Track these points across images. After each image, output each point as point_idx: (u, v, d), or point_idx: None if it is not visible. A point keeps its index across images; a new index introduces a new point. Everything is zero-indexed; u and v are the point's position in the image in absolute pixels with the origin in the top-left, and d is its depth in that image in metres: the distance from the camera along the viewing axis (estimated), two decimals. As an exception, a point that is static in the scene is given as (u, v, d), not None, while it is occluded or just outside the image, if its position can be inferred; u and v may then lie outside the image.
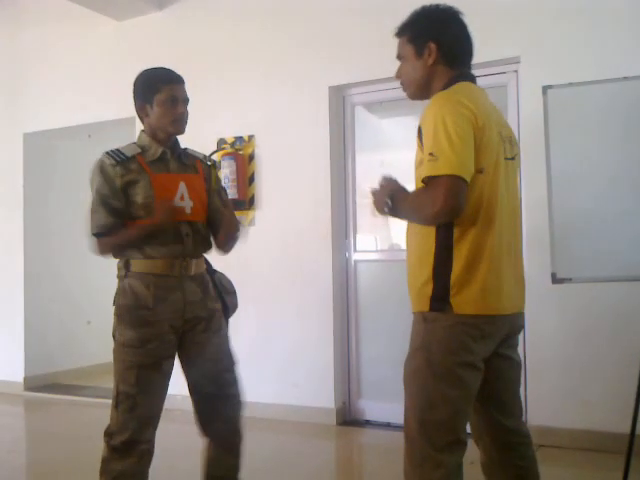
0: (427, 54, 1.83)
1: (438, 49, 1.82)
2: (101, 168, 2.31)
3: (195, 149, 2.55)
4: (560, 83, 3.21)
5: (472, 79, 1.87)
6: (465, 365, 1.71)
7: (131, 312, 2.25)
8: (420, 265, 1.75)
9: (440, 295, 1.71)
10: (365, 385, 4.29)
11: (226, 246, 2.45)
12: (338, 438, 4.11)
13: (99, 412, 4.86)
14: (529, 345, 3.65)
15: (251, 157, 4.51)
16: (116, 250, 2.31)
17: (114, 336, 2.29)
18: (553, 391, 3.59)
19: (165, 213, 2.22)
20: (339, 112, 4.41)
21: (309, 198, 4.32)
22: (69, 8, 5.04)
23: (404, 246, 1.92)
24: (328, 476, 3.53)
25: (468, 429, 1.84)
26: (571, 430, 3.53)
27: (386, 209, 1.79)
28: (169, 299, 2.27)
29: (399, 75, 1.93)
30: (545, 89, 3.14)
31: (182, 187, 2.33)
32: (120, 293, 2.30)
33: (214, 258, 2.51)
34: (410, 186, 1.84)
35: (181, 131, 2.37)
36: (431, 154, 1.63)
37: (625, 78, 3.06)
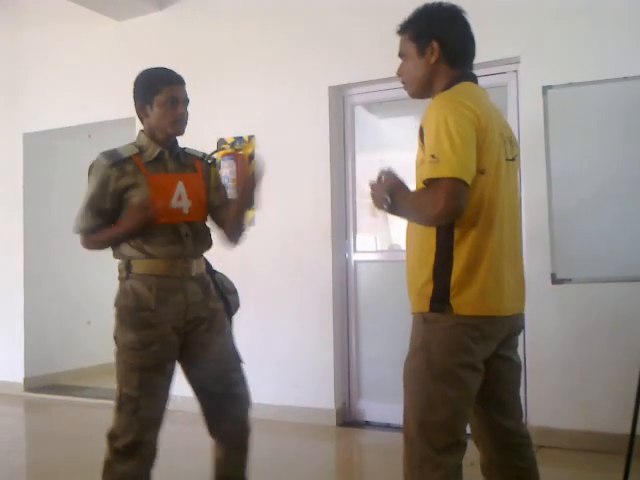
0: (430, 53, 1.82)
1: (441, 48, 1.81)
2: (96, 168, 2.33)
3: (195, 149, 2.54)
4: (560, 83, 3.21)
5: (474, 79, 1.86)
6: (465, 366, 1.71)
7: (133, 314, 2.24)
8: (420, 266, 1.75)
9: (440, 296, 1.70)
10: (365, 386, 4.29)
11: (234, 238, 2.44)
12: (338, 439, 4.11)
13: (99, 413, 4.88)
14: (529, 346, 3.65)
15: (251, 157, 4.51)
16: (99, 246, 2.34)
17: (115, 338, 2.28)
18: (553, 392, 3.59)
19: (139, 213, 2.20)
20: (339, 112, 4.41)
21: (309, 198, 4.32)
22: (69, 8, 5.04)
23: (404, 246, 1.92)
24: (328, 477, 3.53)
25: (468, 430, 1.84)
26: (571, 431, 3.52)
27: (385, 206, 1.78)
28: (171, 300, 2.26)
29: (400, 73, 1.92)
30: (545, 89, 3.14)
31: (180, 187, 2.31)
32: (121, 295, 2.29)
33: (214, 259, 2.51)
34: (411, 185, 1.84)
35: (180, 132, 2.36)
36: (433, 156, 1.62)
37: (625, 78, 3.06)
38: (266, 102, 4.48)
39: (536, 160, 3.25)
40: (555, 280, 3.02)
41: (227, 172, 4.42)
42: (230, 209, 2.42)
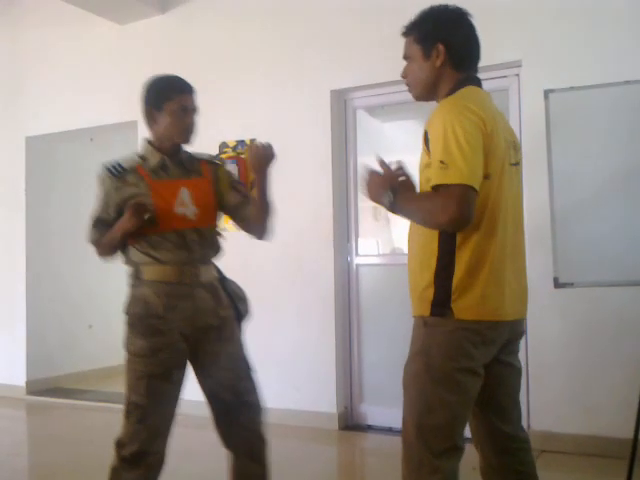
0: (435, 56, 1.80)
1: (446, 51, 1.80)
2: (100, 181, 2.35)
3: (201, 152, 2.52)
4: (562, 87, 3.21)
5: (478, 83, 1.85)
6: (464, 371, 1.71)
7: (142, 321, 2.22)
8: (422, 269, 1.74)
9: (441, 300, 1.70)
10: (367, 389, 4.28)
11: (263, 230, 2.41)
12: (340, 443, 4.10)
13: (100, 416, 4.88)
14: (531, 350, 3.64)
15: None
16: (107, 251, 2.37)
17: (125, 346, 2.26)
18: (556, 396, 3.58)
19: (132, 214, 2.19)
20: (341, 116, 4.41)
21: (311, 201, 4.32)
22: (71, 12, 5.06)
23: (406, 250, 1.91)
24: (330, 481, 3.52)
25: (468, 433, 1.84)
26: (574, 435, 3.51)
27: (386, 201, 1.74)
28: (179, 307, 2.24)
29: (405, 75, 1.91)
30: (547, 93, 3.14)
31: (183, 193, 2.28)
32: (131, 301, 2.28)
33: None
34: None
35: (188, 141, 2.35)
36: (442, 162, 1.60)
37: (627, 82, 3.07)
38: (268, 106, 4.49)
39: (538, 164, 3.24)
40: (557, 284, 3.01)
41: (229, 176, 4.42)
42: (253, 203, 2.38)
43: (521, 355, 3.51)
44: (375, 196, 1.79)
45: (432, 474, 1.69)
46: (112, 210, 2.30)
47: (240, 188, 2.46)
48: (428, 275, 1.71)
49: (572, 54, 3.59)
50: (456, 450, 1.72)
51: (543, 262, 3.24)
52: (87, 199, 6.49)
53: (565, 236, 3.05)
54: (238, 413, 2.34)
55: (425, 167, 1.71)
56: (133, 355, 2.23)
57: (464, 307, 1.68)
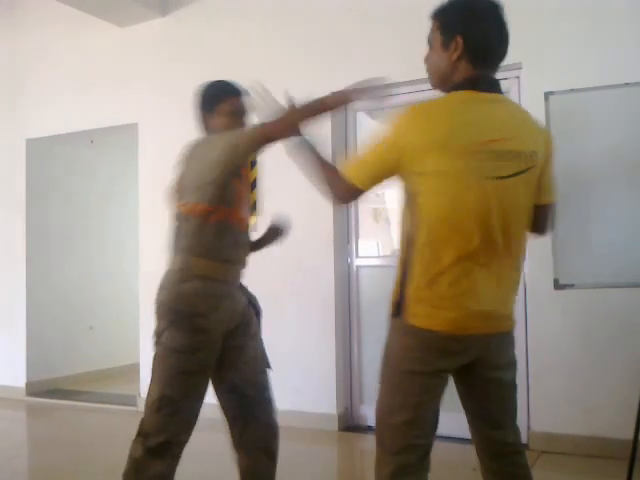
0: (453, 48, 1.73)
1: (465, 45, 1.73)
2: None
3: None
4: (562, 89, 3.22)
5: (484, 86, 1.75)
6: (420, 374, 1.70)
7: (187, 318, 2.21)
8: (397, 269, 1.76)
9: (401, 303, 1.70)
10: (367, 391, 4.29)
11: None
12: (340, 444, 4.10)
13: (100, 418, 4.88)
14: (532, 351, 3.65)
15: (253, 163, 4.52)
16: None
17: (160, 340, 2.22)
18: (556, 397, 3.59)
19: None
20: (341, 118, 4.42)
21: (311, 204, 4.30)
22: (71, 14, 5.06)
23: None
24: (330, 482, 3.53)
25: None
26: (574, 436, 3.52)
27: (296, 141, 1.93)
28: (221, 306, 2.27)
29: (426, 60, 1.86)
30: (547, 95, 3.16)
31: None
32: (177, 297, 2.24)
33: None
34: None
35: None
36: (356, 154, 1.80)
37: (627, 84, 3.08)
38: (268, 108, 4.49)
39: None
40: (558, 285, 3.03)
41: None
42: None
43: (521, 356, 3.49)
44: (284, 129, 1.97)
45: (384, 469, 1.76)
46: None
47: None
48: (398, 276, 1.73)
49: (572, 56, 3.59)
50: (412, 448, 1.74)
51: (543, 264, 3.25)
52: (87, 201, 6.54)
53: (565, 238, 3.06)
54: (259, 409, 2.38)
55: None
56: (171, 350, 2.20)
57: (417, 314, 1.67)
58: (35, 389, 5.55)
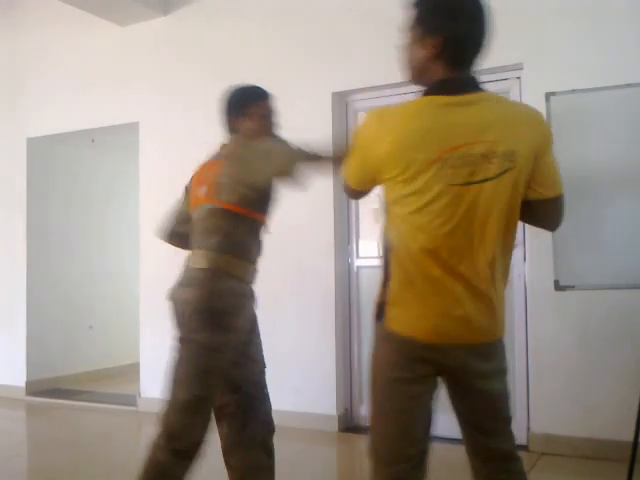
0: (431, 46, 1.62)
1: (444, 46, 1.61)
2: None
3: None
4: (563, 90, 3.22)
5: (455, 90, 1.62)
6: (401, 381, 1.65)
7: (221, 316, 2.22)
8: (381, 271, 1.74)
9: (381, 307, 1.69)
10: (367, 391, 4.28)
11: None
12: (340, 445, 4.10)
13: (100, 417, 4.88)
14: (532, 352, 3.64)
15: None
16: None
17: (192, 338, 2.21)
18: (556, 398, 3.58)
19: None
20: (342, 118, 4.42)
21: (311, 204, 4.31)
22: (72, 13, 5.06)
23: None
24: (330, 483, 3.52)
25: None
26: (574, 438, 3.51)
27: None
28: (247, 306, 2.34)
29: (402, 51, 1.75)
30: (548, 96, 3.15)
31: None
32: (209, 295, 2.23)
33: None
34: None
35: None
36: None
37: (628, 85, 3.07)
38: (269, 107, 4.48)
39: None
40: (558, 287, 3.02)
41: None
42: None
43: (521, 357, 3.49)
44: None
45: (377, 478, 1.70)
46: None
47: None
48: (382, 280, 1.71)
49: (573, 57, 3.59)
50: (404, 458, 1.67)
51: (544, 265, 3.25)
52: (88, 200, 6.54)
53: (566, 239, 3.05)
54: (258, 405, 2.42)
55: None
56: (204, 349, 2.20)
57: (394, 318, 1.65)
58: (35, 388, 5.55)
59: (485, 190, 1.58)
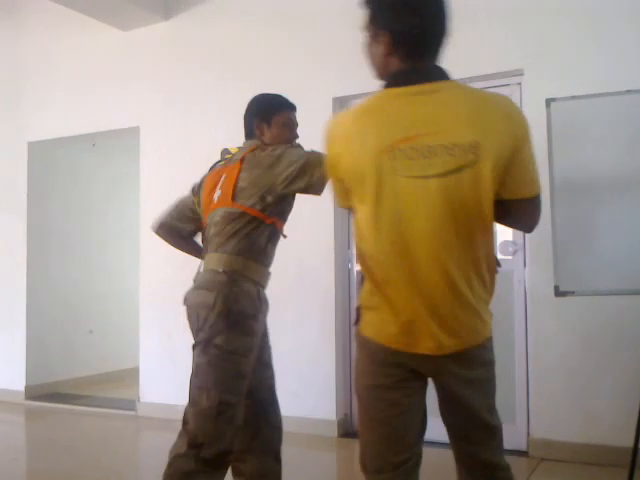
0: (382, 42, 1.59)
1: (393, 41, 1.57)
2: None
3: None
4: (563, 96, 3.22)
5: (409, 80, 1.56)
6: (380, 388, 1.60)
7: (242, 320, 2.22)
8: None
9: (358, 311, 1.68)
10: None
11: None
12: (339, 450, 4.09)
13: (100, 422, 4.87)
14: (532, 357, 3.64)
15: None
16: None
17: (211, 343, 2.18)
18: (555, 404, 3.58)
19: None
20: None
21: (312, 208, 4.31)
22: (73, 17, 5.08)
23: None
24: (329, 488, 3.51)
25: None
26: (573, 443, 3.50)
27: None
28: (263, 309, 2.34)
29: (363, 50, 1.72)
30: (548, 102, 3.15)
31: None
32: (229, 299, 2.21)
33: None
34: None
35: None
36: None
37: (628, 91, 3.08)
38: (270, 112, 4.49)
39: (539, 173, 3.24)
40: (558, 292, 3.01)
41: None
42: None
43: (521, 362, 3.48)
44: None
45: None
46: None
47: None
48: (359, 284, 1.73)
49: (574, 63, 3.60)
50: (392, 466, 1.62)
51: (544, 270, 3.24)
52: (88, 203, 6.54)
53: (566, 244, 3.05)
54: (269, 410, 2.44)
55: None
56: (228, 353, 2.18)
57: (365, 323, 1.63)
58: (34, 393, 5.54)
59: (444, 184, 1.46)
